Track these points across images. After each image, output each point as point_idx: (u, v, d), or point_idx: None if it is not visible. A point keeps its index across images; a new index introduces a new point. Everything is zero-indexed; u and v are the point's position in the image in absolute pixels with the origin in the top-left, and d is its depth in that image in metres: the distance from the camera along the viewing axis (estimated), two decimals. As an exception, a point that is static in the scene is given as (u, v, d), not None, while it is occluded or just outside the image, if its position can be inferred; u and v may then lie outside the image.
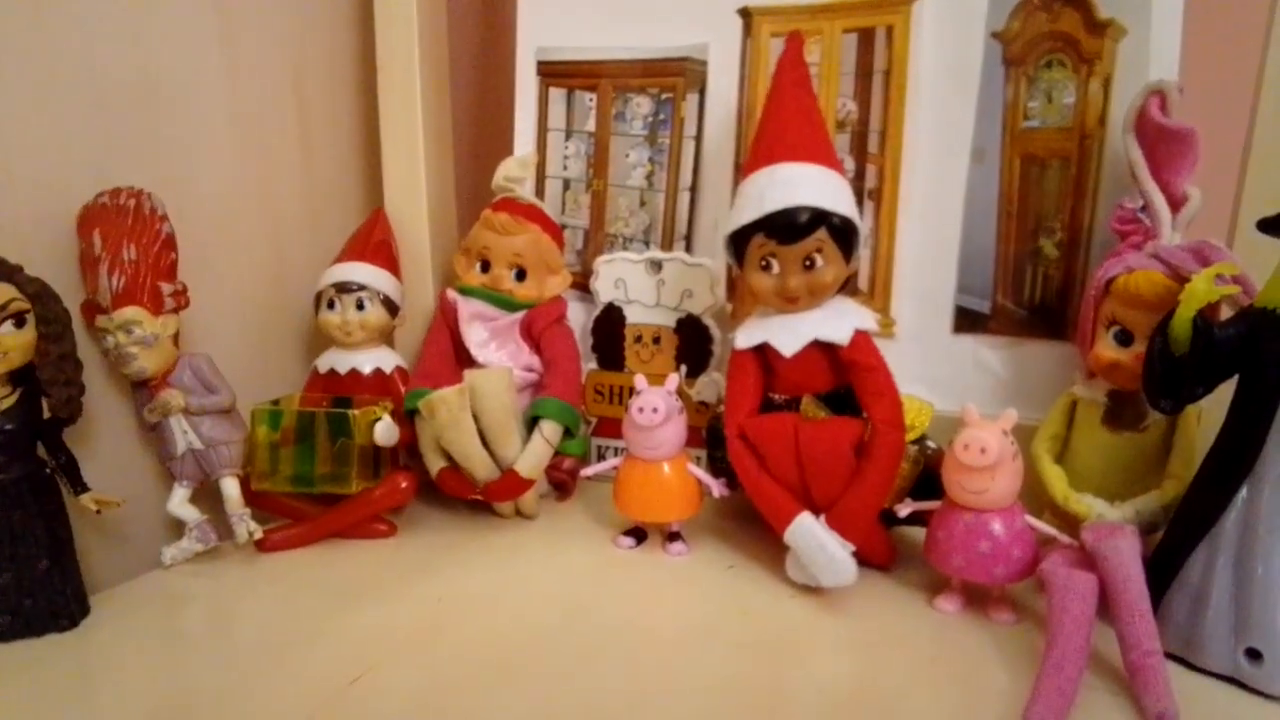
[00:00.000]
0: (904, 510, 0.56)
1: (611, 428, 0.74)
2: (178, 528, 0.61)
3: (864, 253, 0.70)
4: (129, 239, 0.56)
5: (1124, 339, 0.55)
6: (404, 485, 0.64)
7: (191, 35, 0.64)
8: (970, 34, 0.67)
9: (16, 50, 0.53)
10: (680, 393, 0.63)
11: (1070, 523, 0.54)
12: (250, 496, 0.61)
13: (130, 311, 0.56)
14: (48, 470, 0.52)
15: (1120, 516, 0.53)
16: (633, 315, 0.75)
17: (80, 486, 0.54)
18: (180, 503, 0.60)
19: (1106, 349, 0.55)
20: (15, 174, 0.54)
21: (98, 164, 0.58)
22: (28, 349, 0.50)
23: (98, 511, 0.54)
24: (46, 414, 0.52)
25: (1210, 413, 0.52)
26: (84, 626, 0.52)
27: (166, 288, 0.58)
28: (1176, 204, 0.57)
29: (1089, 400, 0.58)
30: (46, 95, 0.55)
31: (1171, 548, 0.49)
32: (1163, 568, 0.48)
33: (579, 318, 0.77)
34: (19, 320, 0.49)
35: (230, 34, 0.67)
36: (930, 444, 0.60)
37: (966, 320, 0.69)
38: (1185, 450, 0.54)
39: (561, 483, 0.72)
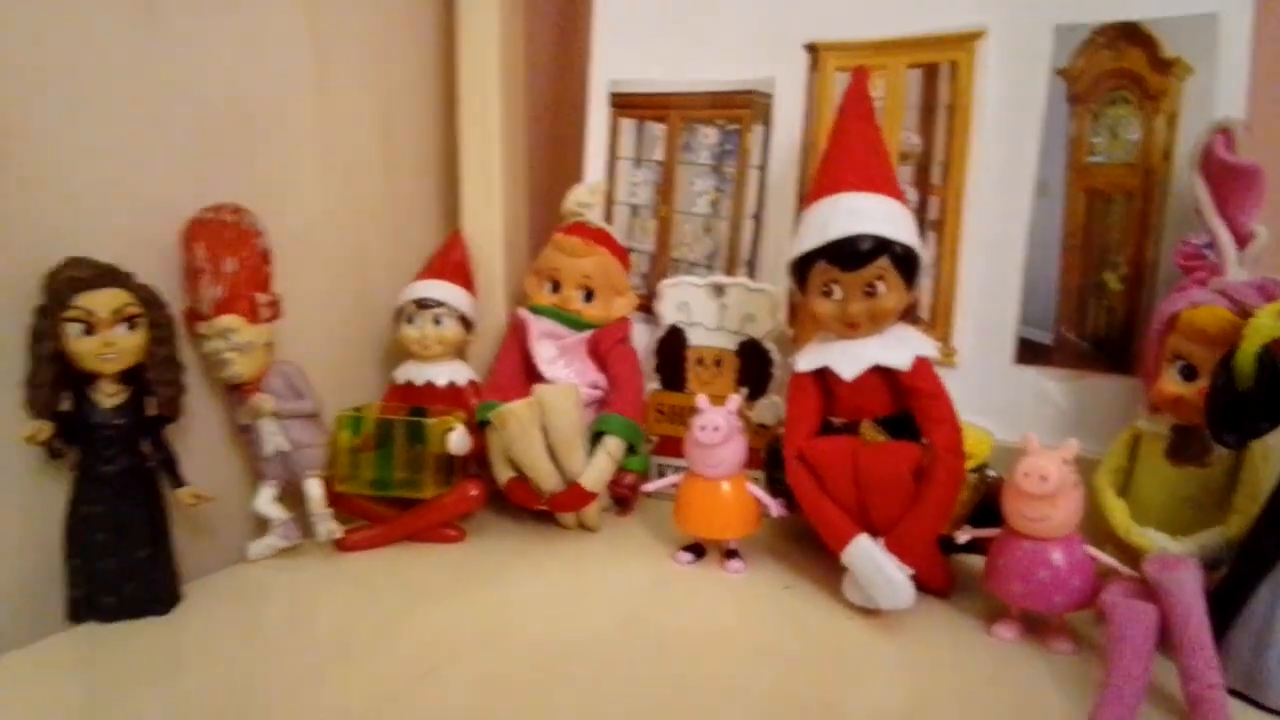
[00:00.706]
0: (963, 537, 0.56)
1: (672, 446, 0.75)
2: (263, 525, 0.64)
3: (926, 282, 0.70)
4: (229, 252, 0.60)
5: (1188, 374, 0.54)
6: (474, 493, 0.67)
7: (286, 64, 0.68)
8: (1035, 71, 0.68)
9: (129, 76, 0.57)
10: (740, 414, 0.64)
11: (1131, 556, 0.53)
12: (331, 498, 0.64)
13: (229, 319, 0.59)
14: (151, 465, 0.56)
15: (1183, 551, 0.53)
16: (695, 338, 0.77)
17: (179, 481, 0.57)
18: (267, 501, 0.63)
19: (1170, 383, 0.55)
20: (127, 190, 0.57)
21: (198, 182, 0.61)
22: (138, 350, 0.54)
23: (193, 505, 0.57)
24: (152, 412, 0.55)
25: (1277, 449, 0.52)
26: (176, 612, 0.56)
27: (262, 298, 0.61)
28: (1242, 240, 0.56)
29: (1152, 434, 0.57)
30: (155, 118, 0.59)
31: (1235, 584, 0.48)
32: (1226, 604, 0.48)
33: (643, 339, 0.79)
34: (131, 323, 0.53)
35: (322, 63, 0.71)
36: (990, 472, 0.60)
37: (1029, 352, 0.69)
38: (1250, 486, 0.53)
39: (623, 497, 0.73)
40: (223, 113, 0.63)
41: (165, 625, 0.54)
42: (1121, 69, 0.65)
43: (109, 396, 0.53)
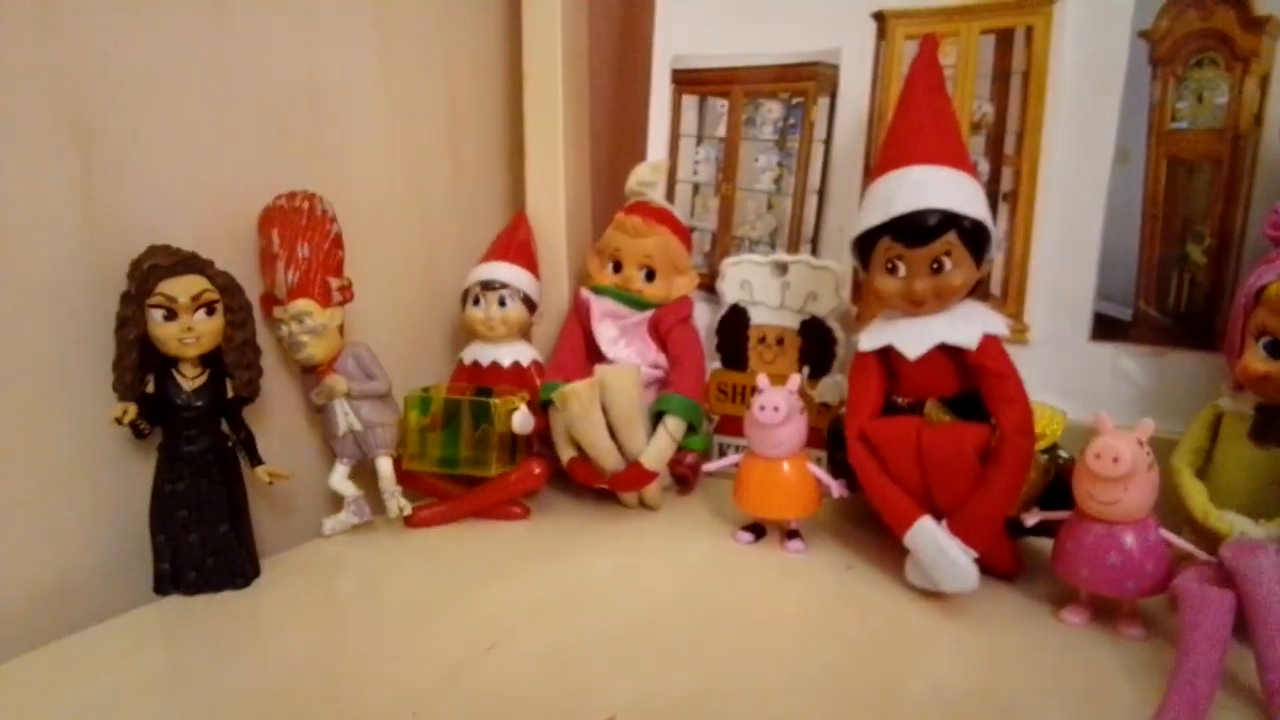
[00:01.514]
0: (1031, 519, 0.55)
1: (733, 426, 0.75)
2: (337, 501, 0.66)
3: (998, 256, 0.68)
4: (303, 238, 0.62)
5: (1275, 350, 0.52)
6: (537, 471, 0.68)
7: (353, 49, 0.69)
8: (1116, 33, 0.65)
9: (200, 64, 0.59)
10: (802, 393, 0.64)
11: (1210, 540, 0.52)
12: (401, 476, 0.66)
13: (303, 303, 0.61)
14: (230, 444, 0.58)
15: (1265, 535, 0.51)
16: (757, 316, 0.76)
17: (257, 460, 0.59)
18: (341, 479, 0.66)
19: (1256, 360, 0.53)
20: (202, 178, 0.59)
21: (270, 170, 0.63)
22: (216, 335, 0.56)
23: (270, 483, 0.59)
24: (231, 394, 0.57)
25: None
26: (255, 586, 0.58)
27: (335, 282, 0.63)
28: None
29: (1235, 413, 0.55)
30: (226, 106, 0.60)
31: None
32: None
33: (704, 318, 0.78)
34: (210, 309, 0.55)
35: (388, 47, 0.72)
36: (1062, 453, 0.59)
37: (1106, 327, 0.67)
38: None
39: (684, 477, 0.73)
40: (291, 101, 0.64)
41: (245, 598, 0.56)
42: (1209, 29, 0.62)
43: (190, 379, 0.55)
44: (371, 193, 0.71)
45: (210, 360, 0.56)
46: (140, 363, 0.54)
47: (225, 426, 0.58)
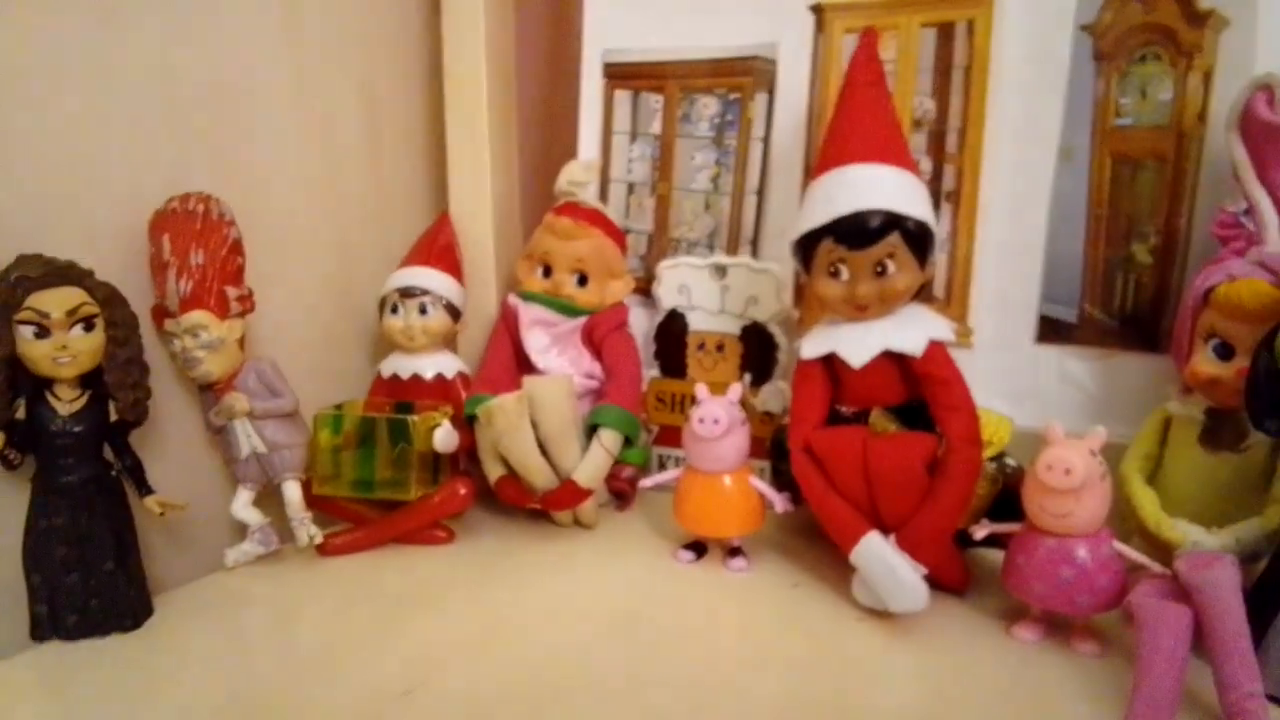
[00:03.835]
0: (980, 532, 0.54)
1: (673, 437, 0.72)
2: (241, 530, 0.62)
3: (940, 258, 0.67)
4: (197, 244, 0.57)
5: (1224, 352, 0.52)
6: (463, 492, 0.65)
7: (260, 44, 0.65)
8: (1058, 27, 0.64)
9: (87, 54, 0.54)
10: (744, 403, 0.62)
11: (1162, 549, 0.51)
12: (312, 501, 0.62)
13: (197, 315, 0.57)
14: (114, 473, 0.53)
15: (1218, 544, 0.50)
16: (696, 322, 0.74)
17: (145, 489, 0.54)
18: (243, 506, 0.61)
19: (1205, 363, 0.52)
20: (88, 179, 0.55)
21: (167, 169, 0.59)
22: (96, 352, 0.51)
23: (162, 514, 0.55)
24: (114, 417, 0.53)
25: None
26: (147, 627, 0.54)
27: (233, 292, 0.58)
28: None
29: (1184, 418, 0.55)
30: (117, 99, 0.56)
31: (1275, 580, 0.46)
32: (1265, 602, 0.45)
33: (641, 324, 0.76)
34: (88, 324, 0.50)
35: (299, 39, 0.68)
36: (1010, 462, 0.58)
37: (1051, 330, 0.66)
38: None
39: (621, 492, 0.71)
40: (191, 99, 0.60)
41: (136, 642, 0.52)
42: (1152, 23, 0.62)
43: (66, 402, 0.51)
44: (281, 195, 0.67)
45: (90, 381, 0.52)
46: (9, 385, 0.50)
47: (109, 454, 0.53)
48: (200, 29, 0.61)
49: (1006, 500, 0.55)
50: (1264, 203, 0.53)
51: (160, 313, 0.58)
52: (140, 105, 0.57)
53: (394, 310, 0.68)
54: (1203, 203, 0.60)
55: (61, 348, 0.49)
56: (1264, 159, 0.54)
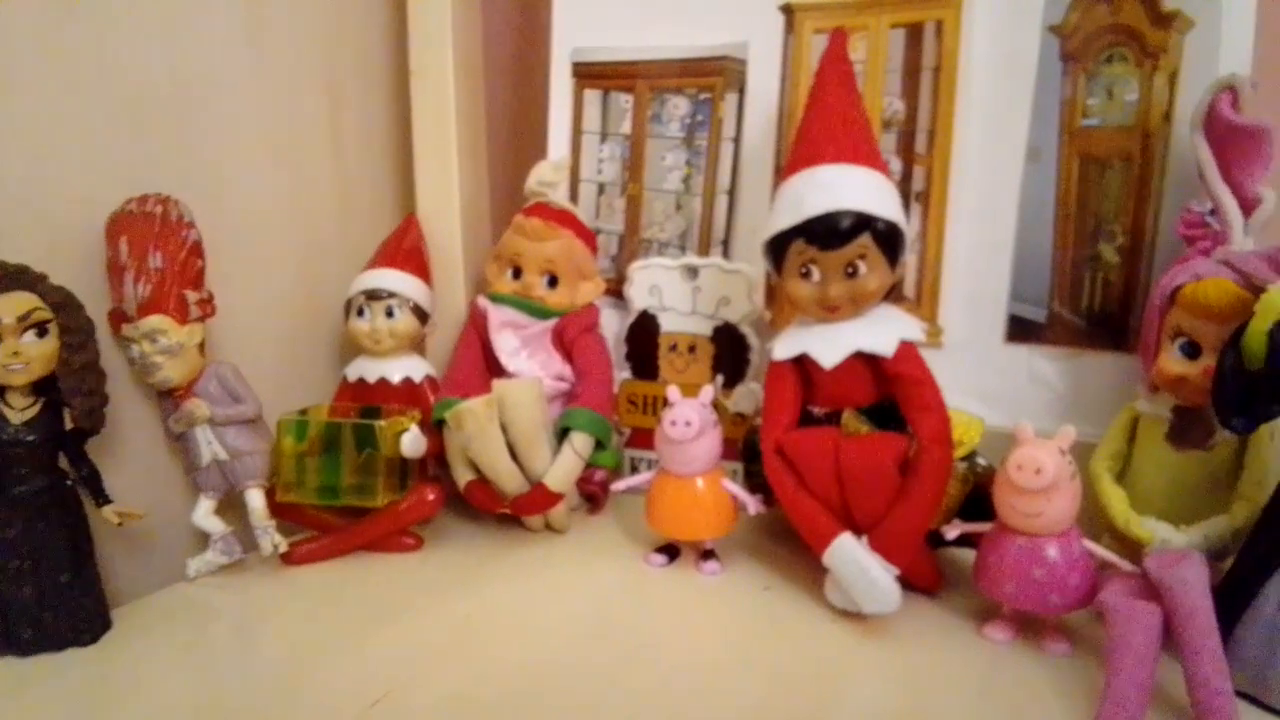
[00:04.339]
0: (952, 532, 0.54)
1: (645, 439, 0.72)
2: (203, 540, 0.60)
3: (910, 258, 0.67)
4: (155, 246, 0.56)
5: (1191, 351, 0.52)
6: (431, 498, 0.63)
7: (222, 42, 0.64)
8: (1025, 28, 0.64)
9: (42, 52, 0.53)
10: (716, 404, 0.61)
11: (1131, 547, 0.51)
12: (276, 508, 0.61)
13: (155, 320, 0.55)
14: (69, 482, 0.52)
15: (1186, 542, 0.50)
16: (667, 323, 0.73)
17: (102, 499, 0.53)
18: (205, 514, 0.60)
19: (1172, 362, 0.52)
20: (42, 180, 0.53)
21: (126, 170, 0.57)
22: (50, 359, 0.49)
23: (120, 524, 0.53)
24: (69, 425, 0.51)
25: (1285, 431, 0.49)
26: (106, 640, 0.52)
27: (192, 296, 0.57)
28: (1249, 207, 0.54)
29: (1152, 416, 0.55)
30: (73, 99, 0.55)
31: (1242, 577, 0.46)
32: (1233, 598, 0.46)
33: (612, 326, 0.75)
34: (41, 330, 0.49)
35: (261, 37, 0.67)
36: (981, 461, 0.58)
37: (1020, 329, 0.66)
38: (1257, 471, 0.51)
39: (593, 495, 0.70)
40: (151, 99, 0.59)
41: (94, 655, 0.51)
42: (1118, 24, 0.62)
43: (19, 410, 0.49)
44: (243, 196, 0.66)
45: (44, 388, 0.50)
46: (-42, 393, 0.48)
47: (64, 463, 0.52)
48: (161, 26, 0.59)
49: (977, 500, 0.55)
50: (1228, 202, 0.54)
51: (118, 317, 0.56)
52: (98, 104, 0.56)
53: (360, 313, 0.67)
54: (1169, 203, 0.61)
55: (13, 354, 0.48)
56: (1228, 159, 0.54)
